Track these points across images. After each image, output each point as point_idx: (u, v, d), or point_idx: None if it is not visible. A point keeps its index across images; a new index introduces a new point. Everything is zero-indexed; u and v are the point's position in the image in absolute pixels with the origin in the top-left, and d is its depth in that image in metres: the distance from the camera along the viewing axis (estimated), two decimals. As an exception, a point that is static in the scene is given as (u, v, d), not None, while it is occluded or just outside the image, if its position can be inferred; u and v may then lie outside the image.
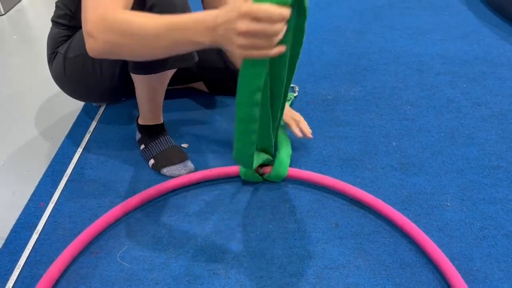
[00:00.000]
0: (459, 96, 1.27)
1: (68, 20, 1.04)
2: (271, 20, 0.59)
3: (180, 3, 0.86)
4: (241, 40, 0.61)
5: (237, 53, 0.63)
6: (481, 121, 1.16)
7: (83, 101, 1.24)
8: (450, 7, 1.81)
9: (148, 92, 0.99)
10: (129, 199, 0.94)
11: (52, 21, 1.08)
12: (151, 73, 0.93)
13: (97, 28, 0.69)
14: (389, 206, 0.90)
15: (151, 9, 0.83)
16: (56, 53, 1.06)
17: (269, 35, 0.60)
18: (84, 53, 0.96)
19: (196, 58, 0.93)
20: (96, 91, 1.10)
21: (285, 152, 1.01)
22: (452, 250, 0.83)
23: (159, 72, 0.92)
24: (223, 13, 0.62)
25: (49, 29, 1.10)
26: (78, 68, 1.02)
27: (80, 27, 1.01)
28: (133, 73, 0.94)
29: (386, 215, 0.89)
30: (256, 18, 0.59)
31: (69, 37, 1.05)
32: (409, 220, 0.87)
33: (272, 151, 0.99)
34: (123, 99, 1.27)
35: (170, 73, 0.99)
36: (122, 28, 0.68)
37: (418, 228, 0.85)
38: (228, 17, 0.61)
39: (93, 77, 1.04)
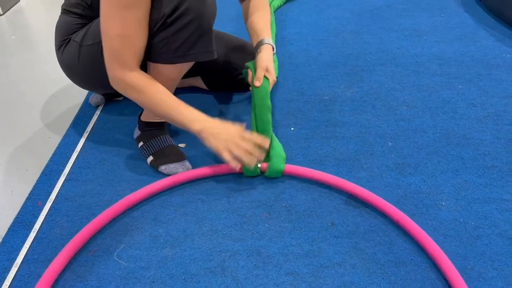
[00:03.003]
0: (455, 97, 1.28)
1: (82, 9, 1.05)
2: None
3: (210, 2, 0.92)
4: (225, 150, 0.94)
5: (209, 147, 0.95)
6: (477, 122, 1.17)
7: (89, 89, 1.23)
8: (447, 9, 1.82)
9: (161, 83, 1.00)
10: (127, 196, 0.95)
11: (63, 9, 1.08)
12: (171, 63, 0.95)
13: (118, 83, 0.94)
14: (386, 202, 0.91)
15: (181, 2, 0.87)
16: (69, 40, 1.07)
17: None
18: (102, 42, 0.98)
19: (216, 55, 0.98)
20: (108, 80, 1.09)
21: (279, 148, 1.03)
22: (447, 249, 0.84)
23: (179, 62, 0.95)
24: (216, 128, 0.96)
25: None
26: (95, 55, 1.03)
27: (96, 17, 1.03)
28: (152, 61, 0.96)
29: (383, 210, 0.91)
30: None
31: (83, 25, 1.06)
32: (405, 215, 0.88)
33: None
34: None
35: (186, 67, 1.01)
36: (140, 92, 0.93)
37: (413, 222, 0.87)
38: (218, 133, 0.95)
39: None
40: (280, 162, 1.00)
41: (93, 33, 1.02)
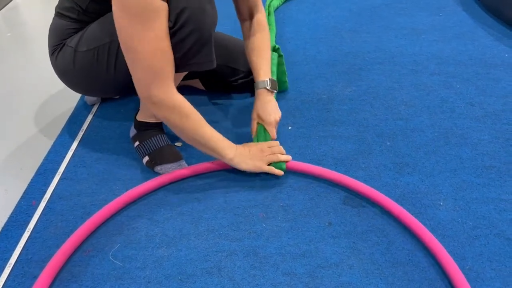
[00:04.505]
0: (453, 96, 1.27)
1: (76, 14, 1.02)
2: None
3: (211, 12, 0.89)
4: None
5: (249, 167, 0.98)
6: (475, 121, 1.17)
7: (85, 94, 1.22)
8: (445, 8, 1.81)
9: None
10: (123, 194, 0.94)
11: (57, 12, 1.06)
12: None
13: (160, 103, 0.89)
14: (387, 197, 0.92)
15: (181, 12, 0.84)
16: (63, 45, 1.04)
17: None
18: (98, 47, 0.98)
19: (215, 64, 0.95)
20: (105, 85, 1.07)
21: None
22: (445, 249, 0.83)
23: (179, 72, 0.92)
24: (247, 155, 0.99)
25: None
26: (90, 62, 1.01)
27: (91, 22, 1.01)
28: None
29: (385, 206, 0.91)
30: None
31: (77, 30, 1.04)
32: (405, 210, 0.89)
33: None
34: (121, 95, 1.27)
35: (182, 76, 1.00)
36: (183, 117, 0.91)
37: (413, 217, 0.87)
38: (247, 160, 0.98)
39: (106, 72, 1.01)
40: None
41: (88, 39, 1.00)
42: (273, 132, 1.05)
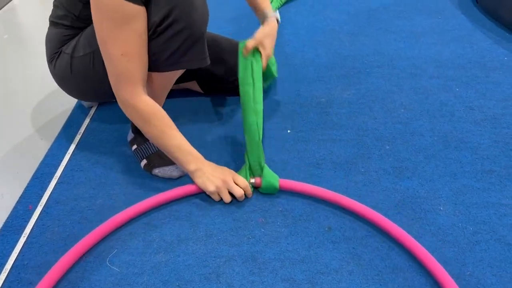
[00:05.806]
0: (452, 100, 1.27)
1: (70, 21, 1.02)
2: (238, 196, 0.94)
3: (201, 9, 0.89)
4: (213, 189, 0.93)
5: (200, 185, 0.94)
6: (474, 125, 1.16)
7: (84, 99, 1.22)
8: (444, 10, 1.81)
9: (153, 90, 0.99)
10: (122, 212, 0.91)
11: (51, 21, 1.06)
12: (162, 71, 0.93)
13: (127, 105, 0.92)
14: (380, 214, 0.89)
15: (170, 10, 0.84)
16: (60, 53, 1.05)
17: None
18: (93, 51, 0.98)
19: (209, 61, 0.96)
20: (102, 89, 1.05)
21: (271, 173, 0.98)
22: (445, 255, 0.83)
23: (171, 70, 0.93)
24: (211, 168, 0.95)
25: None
26: (87, 67, 1.01)
27: (86, 27, 1.01)
28: None
29: (377, 224, 0.88)
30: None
31: (73, 36, 1.03)
32: (399, 227, 0.86)
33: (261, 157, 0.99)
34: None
35: (178, 73, 1.00)
36: (145, 121, 0.92)
37: (408, 234, 0.85)
38: (211, 175, 0.94)
39: (102, 75, 1.00)
40: (273, 177, 0.96)
41: (84, 44, 1.00)
42: (264, 63, 1.08)
